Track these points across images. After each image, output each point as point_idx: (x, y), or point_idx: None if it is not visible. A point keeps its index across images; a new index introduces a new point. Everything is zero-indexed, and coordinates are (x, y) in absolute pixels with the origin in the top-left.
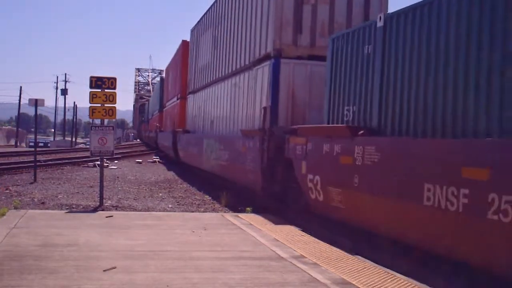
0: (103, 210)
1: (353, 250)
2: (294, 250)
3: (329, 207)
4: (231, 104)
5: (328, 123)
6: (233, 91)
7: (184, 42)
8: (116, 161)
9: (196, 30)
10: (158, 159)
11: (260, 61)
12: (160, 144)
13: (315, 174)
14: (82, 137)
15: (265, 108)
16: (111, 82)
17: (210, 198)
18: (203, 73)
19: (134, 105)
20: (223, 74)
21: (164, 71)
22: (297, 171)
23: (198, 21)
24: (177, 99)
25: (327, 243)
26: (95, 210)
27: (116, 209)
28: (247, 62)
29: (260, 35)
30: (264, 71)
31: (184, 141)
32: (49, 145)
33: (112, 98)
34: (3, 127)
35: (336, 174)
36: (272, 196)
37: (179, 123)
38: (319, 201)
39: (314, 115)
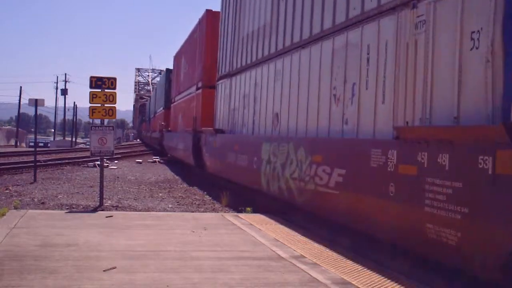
0: (103, 210)
1: (353, 250)
2: (294, 250)
3: None
4: (335, 84)
5: None
6: (340, 60)
7: (209, 12)
8: (116, 161)
9: None
10: (158, 159)
11: None
12: (168, 146)
13: None
14: (82, 137)
15: None
16: (111, 82)
17: (210, 198)
18: (252, 44)
19: (134, 105)
20: (305, 35)
21: (173, 59)
22: None
23: None
24: (197, 89)
25: (327, 243)
26: (95, 210)
27: (116, 209)
28: None
29: None
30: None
31: (216, 144)
32: (49, 145)
33: (112, 98)
34: (3, 127)
35: None
36: None
37: (203, 120)
38: None
39: None
